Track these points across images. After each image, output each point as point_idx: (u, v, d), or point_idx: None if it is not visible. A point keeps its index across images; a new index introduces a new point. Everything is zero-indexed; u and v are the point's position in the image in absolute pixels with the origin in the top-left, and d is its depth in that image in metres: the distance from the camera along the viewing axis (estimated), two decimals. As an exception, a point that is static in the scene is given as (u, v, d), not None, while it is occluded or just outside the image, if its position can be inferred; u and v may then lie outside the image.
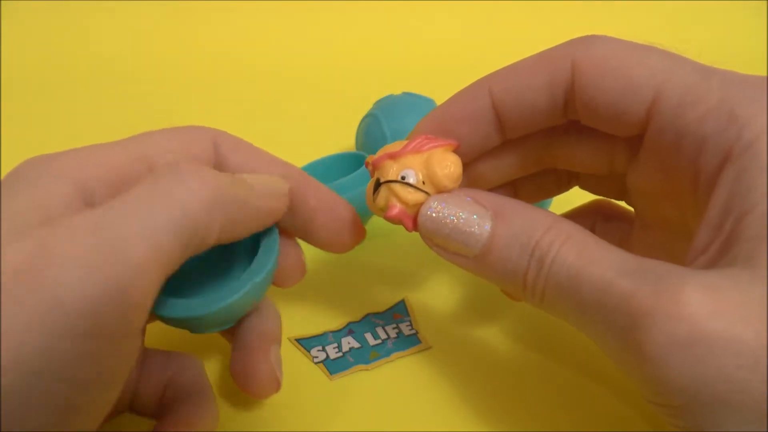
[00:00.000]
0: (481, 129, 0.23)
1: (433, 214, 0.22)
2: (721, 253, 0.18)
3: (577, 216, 0.28)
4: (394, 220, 0.23)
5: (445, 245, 0.22)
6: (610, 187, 0.26)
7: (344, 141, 0.40)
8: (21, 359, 0.15)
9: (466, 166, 0.24)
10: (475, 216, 0.22)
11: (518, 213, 0.21)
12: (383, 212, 0.23)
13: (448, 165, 0.22)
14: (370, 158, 0.24)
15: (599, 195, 0.27)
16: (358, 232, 0.26)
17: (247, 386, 0.24)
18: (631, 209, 0.26)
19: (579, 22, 0.57)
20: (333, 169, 0.34)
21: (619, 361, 0.19)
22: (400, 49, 0.52)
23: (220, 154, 0.23)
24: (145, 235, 0.17)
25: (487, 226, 0.21)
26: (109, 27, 0.53)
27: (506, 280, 0.21)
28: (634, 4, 0.56)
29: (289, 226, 0.25)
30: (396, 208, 0.22)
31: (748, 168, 0.18)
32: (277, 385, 0.24)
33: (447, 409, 0.26)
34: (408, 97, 0.37)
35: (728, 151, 0.18)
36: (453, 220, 0.22)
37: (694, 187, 0.20)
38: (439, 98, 0.37)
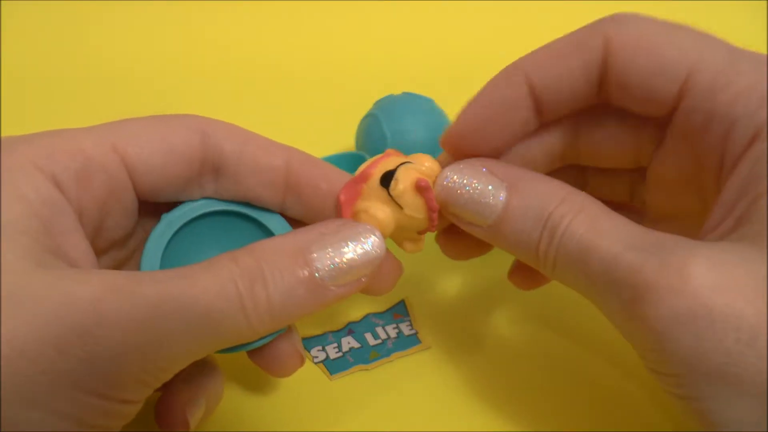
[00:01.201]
0: (519, 115, 0.23)
1: (449, 184, 0.22)
2: (731, 231, 0.18)
3: None
4: (424, 192, 0.22)
5: (461, 214, 0.22)
6: (621, 186, 0.26)
7: (344, 141, 0.40)
8: None
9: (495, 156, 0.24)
10: (490, 187, 0.22)
11: (533, 184, 0.22)
12: (406, 191, 0.22)
13: (425, 163, 0.23)
14: (343, 194, 0.23)
15: (608, 197, 0.26)
16: None
17: (270, 366, 0.24)
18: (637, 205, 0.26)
19: (579, 23, 0.57)
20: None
21: (623, 330, 0.19)
22: (400, 49, 0.52)
23: (211, 144, 0.22)
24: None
25: (502, 197, 0.21)
26: (109, 27, 0.53)
27: (519, 250, 0.22)
28: (634, 4, 0.56)
29: (297, 214, 0.24)
30: (425, 180, 0.22)
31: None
32: (301, 361, 0.24)
33: (447, 409, 0.26)
34: (408, 97, 0.37)
35: (755, 134, 0.19)
36: (468, 190, 0.22)
37: (719, 171, 0.20)
38: (439, 98, 0.37)
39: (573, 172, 0.26)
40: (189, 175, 0.22)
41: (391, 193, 0.23)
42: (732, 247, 0.18)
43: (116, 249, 0.23)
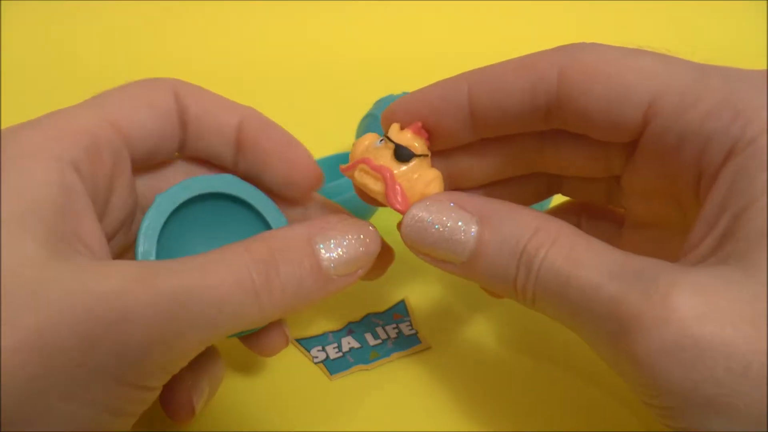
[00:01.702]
0: (453, 122, 0.23)
1: (417, 224, 0.22)
2: (715, 250, 0.18)
3: (561, 214, 0.27)
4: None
5: (431, 253, 0.22)
6: (597, 191, 0.25)
7: (344, 141, 0.40)
8: None
9: (445, 158, 0.24)
10: (460, 222, 0.21)
11: (504, 216, 0.21)
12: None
13: (429, 183, 0.22)
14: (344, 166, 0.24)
15: (585, 199, 0.26)
16: (317, 177, 0.25)
17: (260, 348, 0.24)
18: (617, 208, 0.26)
19: (579, 23, 0.57)
20: (333, 169, 0.34)
21: (611, 363, 0.19)
22: (400, 49, 0.52)
23: (181, 104, 0.23)
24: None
25: (473, 232, 0.21)
26: (109, 27, 0.53)
27: (496, 286, 0.21)
28: (633, 4, 0.56)
29: (245, 171, 0.24)
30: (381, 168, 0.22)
31: (748, 165, 0.18)
32: (287, 341, 0.25)
33: (447, 409, 0.26)
34: (408, 97, 0.37)
35: (731, 149, 0.18)
36: (438, 228, 0.21)
37: (696, 185, 0.20)
38: (439, 98, 0.37)
39: (545, 177, 0.26)
40: (171, 131, 0.23)
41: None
42: (715, 271, 0.17)
43: (121, 233, 0.23)
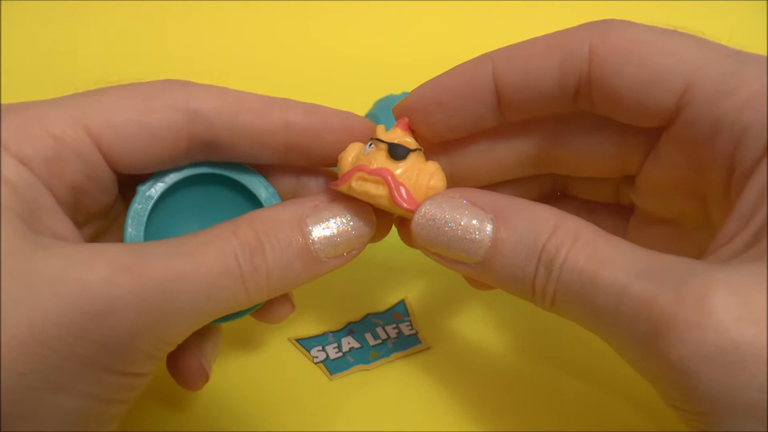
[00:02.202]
0: (477, 106, 0.22)
1: (428, 222, 0.21)
2: (749, 246, 0.17)
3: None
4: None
5: (444, 253, 0.21)
6: (606, 190, 0.25)
7: (344, 141, 0.40)
8: None
9: (450, 156, 0.23)
10: (474, 221, 0.20)
11: (520, 214, 0.20)
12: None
13: (432, 176, 0.22)
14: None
15: (592, 199, 0.25)
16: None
17: (263, 314, 0.25)
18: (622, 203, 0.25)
19: (578, 23, 0.57)
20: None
21: (638, 367, 0.18)
22: (400, 49, 0.52)
23: (199, 123, 0.21)
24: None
25: (489, 230, 0.20)
26: (109, 27, 0.53)
27: (512, 287, 0.20)
28: (633, 4, 0.56)
29: (302, 163, 0.23)
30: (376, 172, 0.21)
31: None
32: (292, 308, 0.25)
33: (447, 409, 0.26)
34: (408, 97, 0.37)
35: None
36: (451, 226, 0.20)
37: (727, 179, 0.19)
38: (439, 98, 0.37)
39: (550, 177, 0.25)
40: (174, 154, 0.21)
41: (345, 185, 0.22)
42: (751, 269, 0.16)
43: (97, 220, 0.22)
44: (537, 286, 0.19)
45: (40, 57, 0.50)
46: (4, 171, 0.18)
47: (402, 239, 0.24)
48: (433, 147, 0.23)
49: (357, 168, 0.21)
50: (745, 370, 0.15)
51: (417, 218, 0.21)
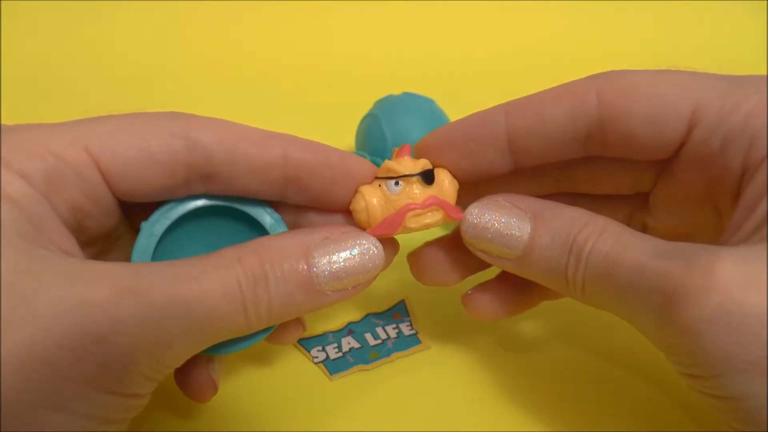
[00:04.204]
0: (489, 150, 0.23)
1: (474, 221, 0.23)
2: (754, 232, 0.19)
3: None
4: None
5: (488, 249, 0.23)
6: (619, 212, 0.25)
7: (344, 141, 0.40)
8: None
9: (477, 187, 0.24)
10: (514, 220, 0.22)
11: (555, 214, 0.22)
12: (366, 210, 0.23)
13: (450, 182, 0.23)
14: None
15: (604, 214, 0.26)
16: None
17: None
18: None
19: (578, 23, 0.57)
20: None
21: (657, 340, 0.20)
22: (400, 49, 0.52)
23: (198, 151, 0.20)
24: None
25: (528, 228, 0.22)
26: (109, 27, 0.53)
27: (548, 278, 0.22)
28: (634, 5, 0.56)
29: (300, 201, 0.23)
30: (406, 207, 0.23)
31: None
32: (303, 329, 0.25)
33: (447, 409, 0.26)
34: (408, 97, 0.37)
35: None
36: (495, 225, 0.23)
37: (738, 185, 0.20)
38: (439, 98, 0.37)
39: (565, 198, 0.26)
40: (173, 182, 0.21)
41: (350, 207, 0.23)
42: (755, 248, 0.18)
43: (100, 242, 0.22)
44: (569, 275, 0.21)
45: (40, 57, 0.50)
46: (5, 187, 0.18)
47: (413, 275, 0.26)
48: None
49: (407, 209, 0.22)
50: (749, 329, 0.17)
51: (467, 219, 0.23)
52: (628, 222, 0.26)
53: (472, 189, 0.24)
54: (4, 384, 0.16)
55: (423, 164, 0.23)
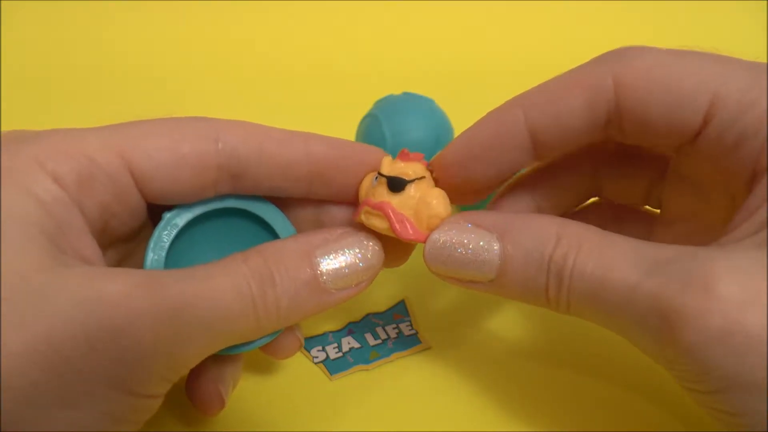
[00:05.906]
0: (513, 152, 0.22)
1: (439, 249, 0.22)
2: (752, 235, 0.18)
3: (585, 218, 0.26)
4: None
5: (459, 276, 0.22)
6: (638, 190, 0.25)
7: (344, 141, 0.40)
8: None
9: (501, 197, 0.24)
10: (481, 242, 0.21)
11: (523, 228, 0.21)
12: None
13: (432, 203, 0.22)
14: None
15: (624, 200, 0.26)
16: None
17: (271, 348, 0.25)
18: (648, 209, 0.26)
19: (578, 23, 0.57)
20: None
21: (654, 356, 0.19)
22: (400, 49, 0.52)
23: (226, 151, 0.21)
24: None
25: (496, 249, 0.21)
26: (109, 27, 0.53)
27: (527, 298, 0.21)
28: (634, 5, 0.56)
29: (326, 196, 0.24)
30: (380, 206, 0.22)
31: None
32: (299, 345, 0.25)
33: (447, 409, 0.26)
34: (408, 97, 0.37)
35: None
36: (461, 251, 0.22)
37: (751, 182, 0.20)
38: (439, 98, 0.37)
39: (587, 179, 0.26)
40: (203, 183, 0.22)
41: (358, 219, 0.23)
42: (753, 255, 0.18)
43: (122, 244, 0.23)
44: (551, 296, 0.20)
45: (40, 57, 0.50)
46: (35, 188, 0.19)
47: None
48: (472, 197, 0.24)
49: (364, 202, 0.23)
50: (753, 349, 0.17)
51: (428, 247, 0.22)
52: (646, 200, 0.25)
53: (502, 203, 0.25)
54: (15, 375, 0.16)
55: (408, 173, 0.22)
